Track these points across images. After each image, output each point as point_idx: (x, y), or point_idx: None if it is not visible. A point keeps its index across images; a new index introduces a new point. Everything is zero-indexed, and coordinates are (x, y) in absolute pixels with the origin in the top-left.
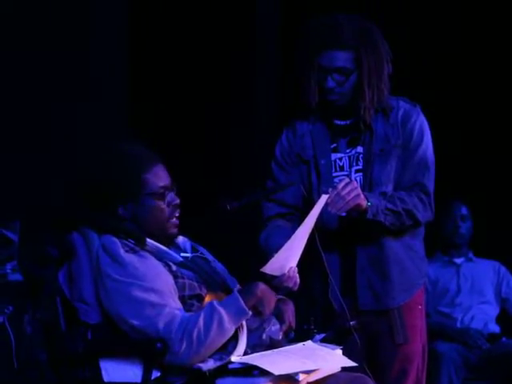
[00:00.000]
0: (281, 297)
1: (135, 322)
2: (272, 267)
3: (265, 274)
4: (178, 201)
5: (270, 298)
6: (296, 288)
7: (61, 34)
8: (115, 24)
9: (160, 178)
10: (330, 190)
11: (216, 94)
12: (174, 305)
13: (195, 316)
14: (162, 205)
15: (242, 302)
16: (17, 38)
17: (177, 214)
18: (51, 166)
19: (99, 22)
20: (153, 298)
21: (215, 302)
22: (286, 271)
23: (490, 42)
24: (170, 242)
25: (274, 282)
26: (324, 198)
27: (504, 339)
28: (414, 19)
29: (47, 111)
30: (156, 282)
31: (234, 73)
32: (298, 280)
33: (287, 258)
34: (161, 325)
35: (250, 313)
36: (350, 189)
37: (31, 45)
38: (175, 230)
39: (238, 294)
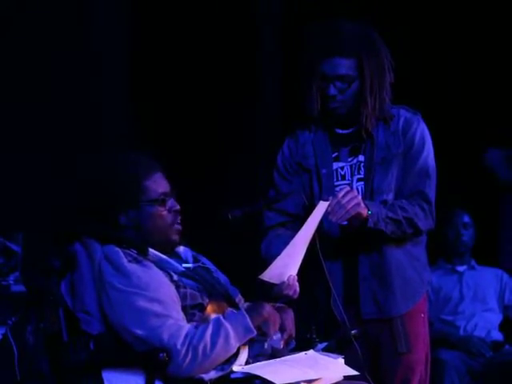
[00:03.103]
0: (280, 305)
1: (139, 332)
2: (271, 274)
3: (264, 282)
4: (178, 207)
5: (275, 320)
6: (296, 296)
7: (61, 34)
8: (118, 23)
9: (160, 184)
10: (331, 198)
11: (217, 102)
12: (178, 316)
13: (201, 330)
14: (163, 211)
15: (250, 321)
16: (17, 38)
17: (178, 221)
18: (51, 171)
19: (101, 20)
20: (156, 308)
21: (222, 318)
22: (286, 279)
23: (492, 47)
24: (171, 249)
25: (274, 290)
26: (322, 205)
27: (507, 347)
28: (413, 26)
29: (49, 112)
30: (159, 292)
31: (235, 80)
32: (298, 288)
33: (286, 266)
34: (165, 336)
35: (256, 332)
36: (350, 197)
37: (32, 45)
38: (177, 237)
39: (245, 313)
